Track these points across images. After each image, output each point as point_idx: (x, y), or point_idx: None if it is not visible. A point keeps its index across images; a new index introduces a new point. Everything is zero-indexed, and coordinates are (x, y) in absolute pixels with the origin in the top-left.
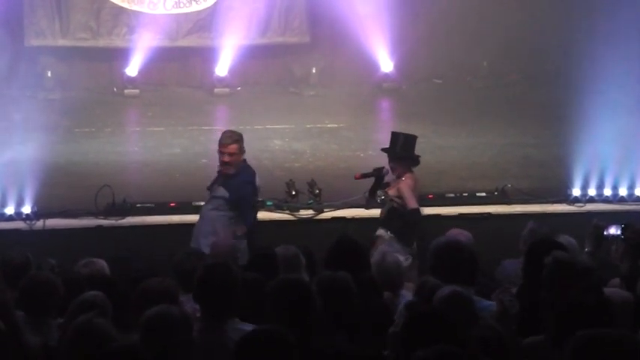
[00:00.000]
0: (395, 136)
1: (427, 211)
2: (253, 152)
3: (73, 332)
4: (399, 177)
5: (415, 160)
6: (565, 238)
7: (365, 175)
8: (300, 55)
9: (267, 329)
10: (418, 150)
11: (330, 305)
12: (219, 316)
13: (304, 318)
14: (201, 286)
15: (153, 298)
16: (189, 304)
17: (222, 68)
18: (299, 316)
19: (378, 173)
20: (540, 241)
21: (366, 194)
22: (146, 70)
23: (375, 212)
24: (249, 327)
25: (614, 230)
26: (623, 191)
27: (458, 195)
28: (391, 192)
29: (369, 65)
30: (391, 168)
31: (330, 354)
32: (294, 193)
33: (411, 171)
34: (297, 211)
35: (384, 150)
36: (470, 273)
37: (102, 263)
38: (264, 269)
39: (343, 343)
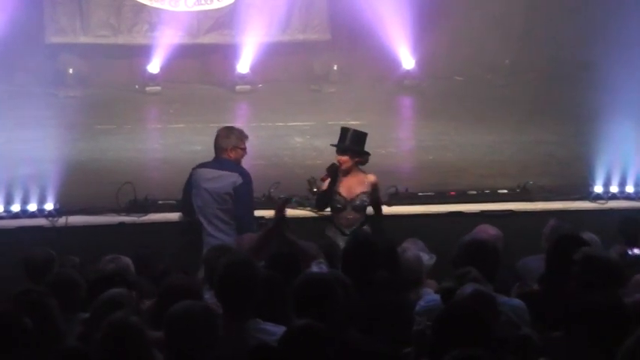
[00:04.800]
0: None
1: (449, 208)
2: (274, 150)
3: (107, 330)
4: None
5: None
6: (587, 235)
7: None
8: (321, 52)
9: (305, 325)
10: (440, 147)
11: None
12: (239, 314)
13: (327, 314)
14: (222, 283)
15: (175, 294)
16: (214, 300)
17: (243, 65)
18: (322, 313)
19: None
20: (564, 237)
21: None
22: (167, 67)
23: (398, 209)
24: (270, 326)
25: None
26: None
27: (480, 192)
28: (362, 189)
29: (390, 62)
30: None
31: (350, 351)
32: (315, 190)
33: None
34: None
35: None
36: (491, 269)
37: (127, 260)
38: (286, 267)
39: (363, 340)
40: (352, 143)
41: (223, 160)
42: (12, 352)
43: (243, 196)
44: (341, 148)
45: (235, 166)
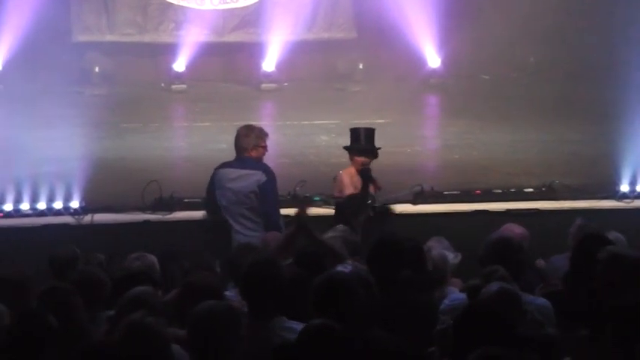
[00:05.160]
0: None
1: (474, 207)
2: (299, 148)
3: (124, 331)
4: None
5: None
6: (613, 234)
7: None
8: (347, 50)
9: (320, 325)
10: (465, 146)
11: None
12: (264, 312)
13: (345, 314)
14: (247, 282)
15: (197, 292)
16: (238, 299)
17: (269, 64)
18: (340, 312)
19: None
20: (589, 236)
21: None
22: (193, 65)
23: (423, 208)
24: (295, 324)
25: None
26: None
27: (505, 191)
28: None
29: (415, 61)
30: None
31: (373, 350)
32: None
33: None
34: None
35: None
36: (518, 268)
37: (152, 258)
38: (311, 265)
39: (386, 339)
40: (368, 143)
41: (245, 159)
42: (37, 351)
43: (268, 194)
44: (361, 149)
45: (258, 164)
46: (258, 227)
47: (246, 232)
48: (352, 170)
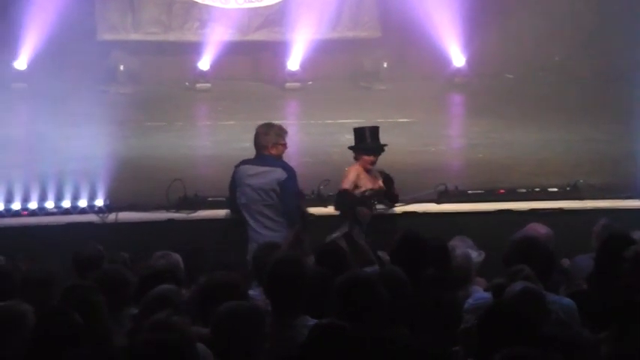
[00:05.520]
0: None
1: (498, 206)
2: (323, 147)
3: (149, 329)
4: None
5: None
6: (638, 234)
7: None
8: (371, 49)
9: (328, 324)
10: (490, 145)
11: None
12: (288, 311)
13: (371, 312)
14: (271, 280)
15: (220, 291)
16: (262, 297)
17: (293, 63)
18: (366, 311)
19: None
20: (614, 235)
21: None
22: (217, 64)
23: (447, 207)
24: None
25: None
26: None
27: (529, 190)
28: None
29: (440, 60)
30: (373, 162)
31: (397, 348)
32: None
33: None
34: None
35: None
36: (543, 268)
37: (177, 257)
38: (334, 264)
39: (411, 338)
40: (374, 140)
41: (265, 156)
42: (61, 349)
43: (288, 190)
44: (369, 148)
45: (278, 161)
46: (276, 226)
47: (262, 231)
48: (360, 168)
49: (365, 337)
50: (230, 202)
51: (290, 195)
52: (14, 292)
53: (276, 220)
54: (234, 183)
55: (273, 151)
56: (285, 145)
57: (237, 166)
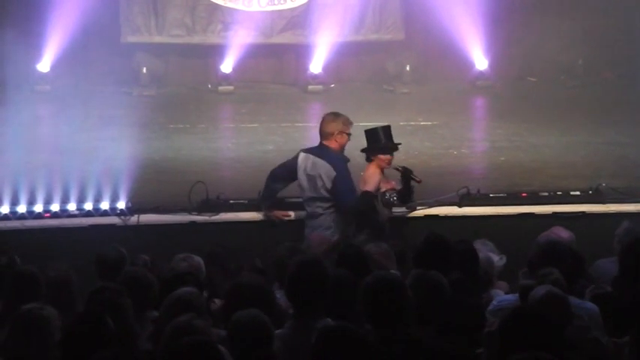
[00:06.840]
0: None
1: (520, 209)
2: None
3: (171, 333)
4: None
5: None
6: None
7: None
8: (394, 52)
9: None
10: (512, 148)
11: (420, 302)
12: (310, 313)
13: (398, 315)
14: (293, 283)
15: (245, 294)
16: (284, 299)
17: (316, 65)
18: (393, 313)
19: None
20: (638, 239)
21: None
22: (240, 66)
23: (469, 210)
24: None
25: None
26: None
27: (552, 194)
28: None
29: (463, 63)
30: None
31: (423, 350)
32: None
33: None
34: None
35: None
36: (572, 272)
37: (199, 259)
38: (356, 266)
39: (436, 340)
40: (388, 140)
41: (324, 148)
42: (94, 352)
43: (339, 187)
44: (390, 147)
45: (333, 156)
46: (329, 215)
47: (315, 219)
48: (378, 169)
49: (391, 338)
50: (272, 171)
51: (341, 192)
52: (38, 295)
53: (324, 213)
54: (290, 161)
55: (338, 139)
56: (349, 136)
57: (300, 151)
